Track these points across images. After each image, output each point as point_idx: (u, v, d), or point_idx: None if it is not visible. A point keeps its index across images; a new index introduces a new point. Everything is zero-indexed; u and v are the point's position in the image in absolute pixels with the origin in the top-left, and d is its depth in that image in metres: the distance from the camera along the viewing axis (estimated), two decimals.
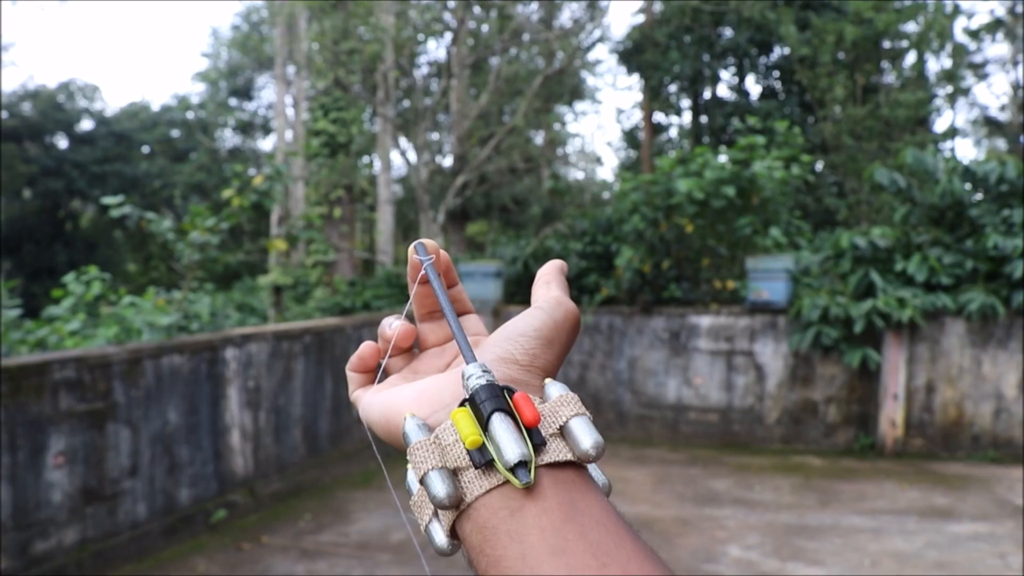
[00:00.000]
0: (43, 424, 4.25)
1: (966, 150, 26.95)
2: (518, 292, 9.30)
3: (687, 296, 8.69)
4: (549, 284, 0.53)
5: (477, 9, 15.03)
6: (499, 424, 0.41)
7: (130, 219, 6.01)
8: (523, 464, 0.40)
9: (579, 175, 27.52)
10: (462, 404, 0.43)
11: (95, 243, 25.01)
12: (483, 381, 0.42)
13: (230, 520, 5.50)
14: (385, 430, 0.47)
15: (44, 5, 47.92)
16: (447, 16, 13.06)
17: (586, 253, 9.35)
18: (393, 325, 0.52)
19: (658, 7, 18.73)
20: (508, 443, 0.40)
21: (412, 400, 0.46)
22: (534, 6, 14.78)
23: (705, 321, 7.94)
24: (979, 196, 7.90)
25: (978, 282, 7.35)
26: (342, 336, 7.00)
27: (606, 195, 23.19)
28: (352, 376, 0.54)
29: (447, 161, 18.73)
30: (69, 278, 6.32)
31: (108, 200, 6.00)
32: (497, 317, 8.62)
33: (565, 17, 14.75)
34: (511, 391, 0.42)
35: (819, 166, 15.45)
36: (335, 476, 6.61)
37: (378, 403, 0.49)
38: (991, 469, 6.82)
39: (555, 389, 0.45)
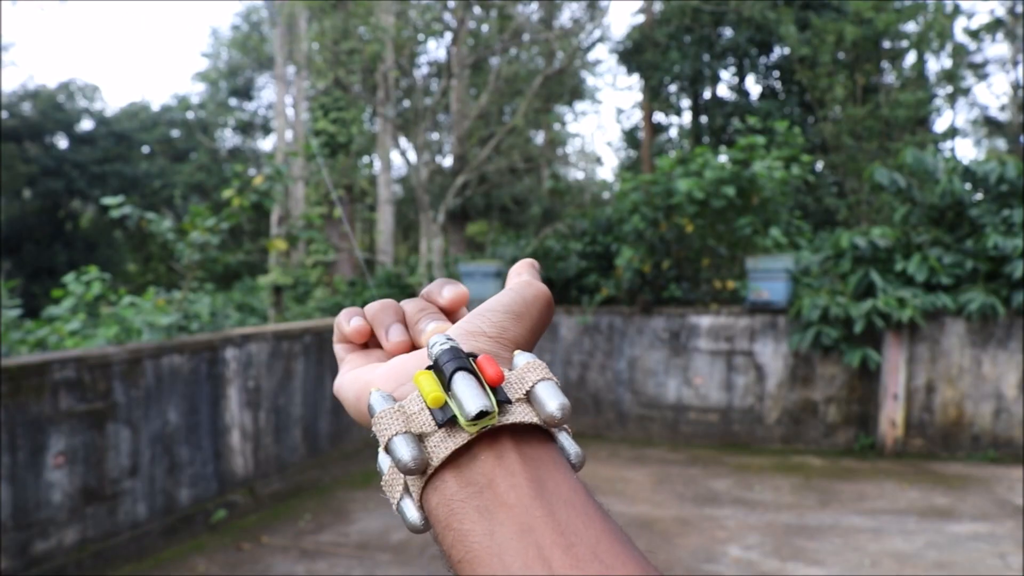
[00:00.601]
0: (43, 424, 4.25)
1: (966, 150, 26.96)
2: None
3: (687, 296, 8.69)
4: (520, 273, 0.53)
5: (477, 9, 15.03)
6: (461, 381, 0.40)
7: (130, 219, 6.01)
8: (485, 415, 0.39)
9: (579, 175, 27.52)
10: (427, 369, 0.43)
11: (95, 243, 25.01)
12: (447, 346, 0.42)
13: (230, 520, 5.50)
14: (355, 407, 0.48)
15: (44, 5, 47.93)
16: (447, 16, 13.06)
17: (586, 253, 9.35)
18: (352, 322, 0.52)
19: (658, 7, 18.73)
20: (469, 397, 0.39)
21: (381, 376, 0.46)
22: (534, 6, 14.78)
23: (705, 321, 7.94)
24: (979, 196, 7.89)
25: (978, 282, 7.35)
26: None
27: (606, 195, 23.19)
28: (338, 350, 0.54)
29: (447, 161, 18.74)
30: (69, 278, 6.32)
31: (108, 200, 6.00)
32: None
33: (565, 17, 14.75)
34: (475, 356, 0.42)
35: (819, 166, 15.45)
36: (335, 476, 6.61)
37: (348, 380, 0.49)
38: (991, 469, 6.82)
39: (522, 358, 0.44)
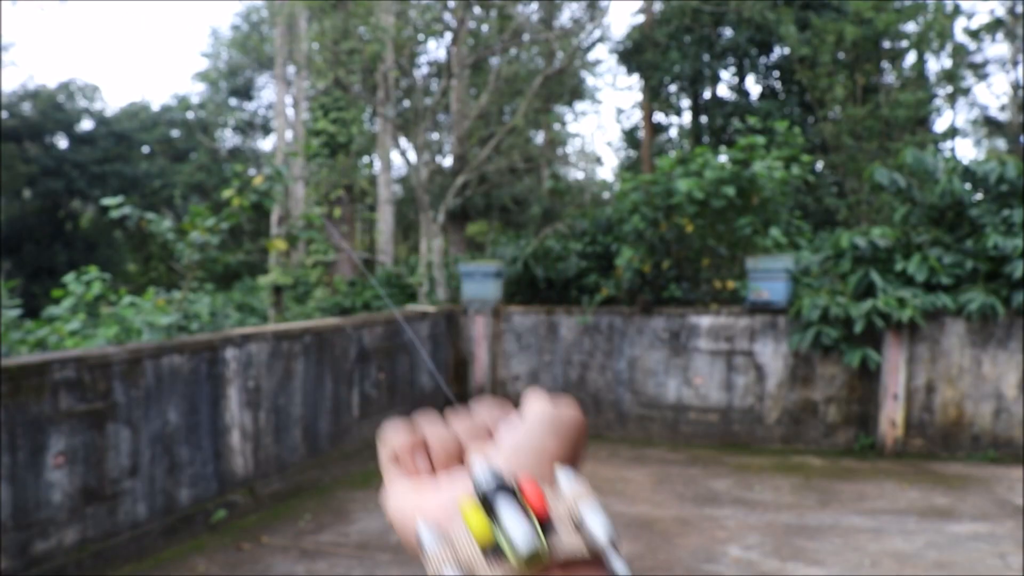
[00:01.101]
0: (43, 424, 4.25)
1: (966, 150, 26.96)
2: (518, 292, 9.30)
3: (687, 296, 8.69)
4: (534, 401, 0.54)
5: (477, 9, 15.02)
6: (507, 515, 0.41)
7: (130, 219, 6.01)
8: (535, 553, 0.40)
9: (579, 175, 27.51)
10: (471, 499, 0.43)
11: (95, 243, 25.01)
12: (490, 474, 0.43)
13: (230, 520, 5.50)
14: (402, 532, 0.48)
15: (44, 5, 47.93)
16: (447, 16, 13.06)
17: (586, 253, 9.35)
18: (421, 468, 0.52)
19: (658, 7, 18.73)
20: (517, 532, 0.40)
21: (430, 509, 0.47)
22: (534, 6, 14.78)
23: (705, 321, 7.94)
24: (979, 196, 7.89)
25: (978, 282, 7.34)
26: (342, 336, 7.00)
27: (606, 195, 23.19)
28: (383, 459, 0.54)
29: (447, 161, 18.73)
30: (69, 278, 6.32)
31: (108, 200, 6.00)
32: (497, 317, 8.63)
33: (565, 17, 14.75)
34: (517, 480, 0.43)
35: (819, 166, 15.45)
36: (335, 476, 6.61)
37: (398, 506, 0.50)
38: (991, 469, 6.82)
39: (565, 477, 0.45)
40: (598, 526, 0.41)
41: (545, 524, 0.41)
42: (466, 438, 0.52)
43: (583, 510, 0.42)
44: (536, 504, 0.41)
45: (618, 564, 0.44)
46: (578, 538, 0.42)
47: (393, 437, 0.53)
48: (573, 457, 0.49)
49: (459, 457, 0.51)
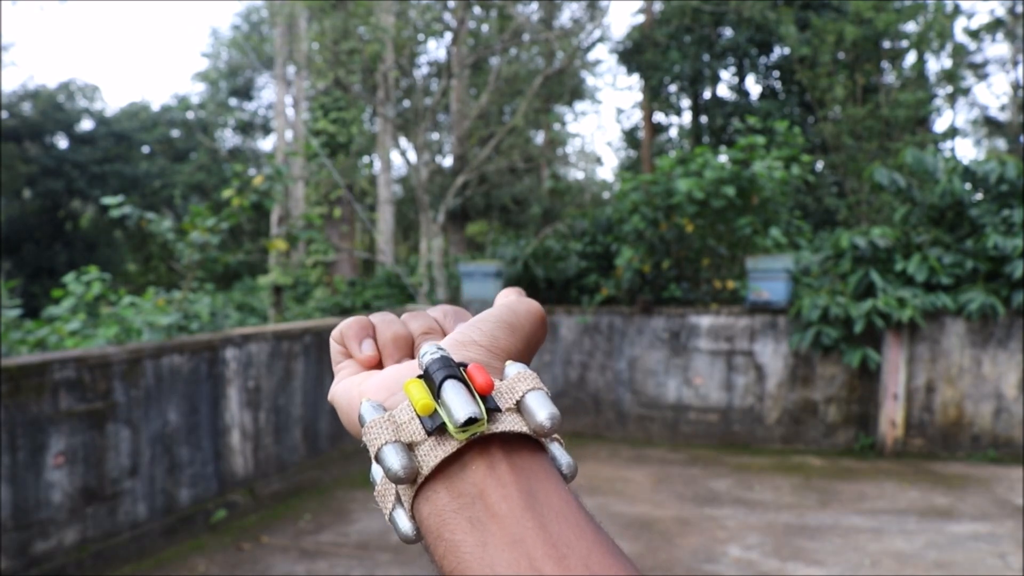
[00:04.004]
0: (43, 424, 4.25)
1: (966, 150, 26.96)
2: None
3: (687, 296, 8.69)
4: (507, 295, 0.53)
5: (477, 9, 15.03)
6: (450, 389, 0.40)
7: (130, 219, 6.01)
8: (474, 422, 0.39)
9: (579, 175, 27.52)
10: (417, 378, 0.43)
11: (95, 243, 25.01)
12: (437, 355, 0.42)
13: (230, 520, 5.50)
14: (348, 417, 0.47)
15: (44, 5, 47.93)
16: (447, 16, 13.06)
17: (586, 253, 9.35)
18: (364, 348, 0.51)
19: (658, 7, 18.73)
20: (458, 404, 0.39)
21: (373, 385, 0.46)
22: (534, 6, 14.78)
23: (705, 321, 7.94)
24: (979, 196, 7.89)
25: (978, 282, 7.35)
26: None
27: (606, 195, 23.20)
28: (335, 355, 0.54)
29: (447, 161, 18.74)
30: (69, 278, 6.32)
31: (108, 200, 6.00)
32: None
33: (565, 17, 14.75)
34: (465, 365, 0.42)
35: (819, 166, 15.45)
36: (335, 476, 6.61)
37: (342, 389, 0.49)
38: (991, 469, 6.82)
39: (513, 368, 0.44)
40: (541, 410, 0.41)
41: (488, 402, 0.41)
42: (418, 332, 0.51)
43: (528, 395, 0.42)
44: (480, 383, 0.41)
45: (559, 450, 0.44)
46: (519, 418, 0.41)
47: (342, 326, 0.52)
48: (526, 351, 0.49)
49: (409, 350, 0.51)
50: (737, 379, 7.88)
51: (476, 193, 16.03)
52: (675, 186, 8.06)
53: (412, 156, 11.13)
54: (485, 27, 15.63)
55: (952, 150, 18.40)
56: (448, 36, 13.02)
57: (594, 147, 42.00)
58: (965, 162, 7.93)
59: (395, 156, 16.40)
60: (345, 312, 11.36)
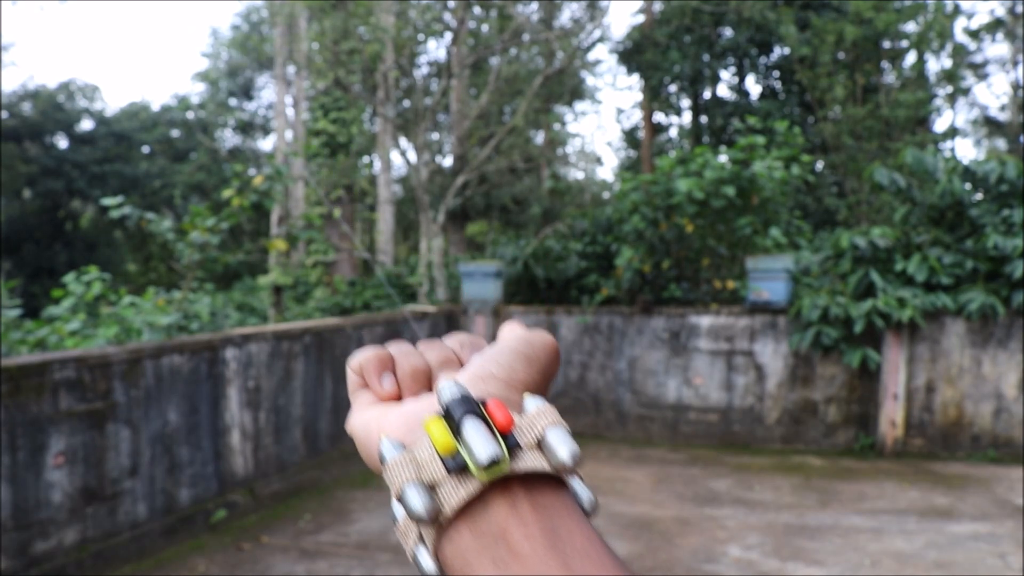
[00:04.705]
0: (43, 424, 4.25)
1: (966, 150, 26.97)
2: (518, 292, 9.30)
3: (687, 296, 8.69)
4: (515, 327, 0.54)
5: (477, 9, 15.03)
6: (471, 427, 0.40)
7: (130, 219, 6.01)
8: (496, 463, 0.39)
9: (579, 175, 27.52)
10: (435, 416, 0.43)
11: (95, 243, 25.01)
12: (456, 392, 0.42)
13: (230, 520, 5.50)
14: (366, 451, 0.47)
15: (44, 5, 47.92)
16: (447, 16, 13.06)
17: (586, 253, 9.35)
18: (385, 385, 0.51)
19: (658, 7, 18.73)
20: (480, 444, 0.39)
21: (392, 422, 0.46)
22: (534, 6, 14.79)
23: (705, 321, 7.94)
24: (979, 196, 7.90)
25: (978, 282, 7.35)
26: (342, 336, 7.00)
27: (606, 195, 23.20)
28: (352, 384, 0.54)
29: (447, 161, 18.74)
30: (69, 278, 6.32)
31: (108, 200, 6.00)
32: (497, 317, 8.62)
33: (565, 17, 14.75)
34: (484, 401, 0.42)
35: (819, 166, 15.45)
36: (335, 476, 6.61)
37: (361, 424, 0.49)
38: (991, 469, 6.82)
39: (533, 402, 0.44)
40: (562, 447, 0.41)
41: (509, 440, 0.41)
42: (436, 363, 0.51)
43: (548, 432, 0.42)
44: (501, 421, 0.41)
45: (579, 486, 0.44)
46: (540, 456, 0.41)
47: (361, 359, 0.52)
48: (543, 384, 0.49)
49: (427, 381, 0.50)
50: (737, 379, 7.88)
51: (476, 193, 16.02)
52: (675, 186, 8.06)
53: (412, 156, 11.13)
54: (485, 27, 15.63)
55: (952, 150, 18.41)
56: (448, 36, 13.03)
57: (594, 147, 42.03)
58: (965, 162, 7.93)
59: (395, 156, 16.41)
60: (345, 312, 11.36)
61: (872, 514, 5.62)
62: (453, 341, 0.54)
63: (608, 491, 6.16)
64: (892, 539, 5.10)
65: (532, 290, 9.29)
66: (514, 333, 0.52)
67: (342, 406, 6.98)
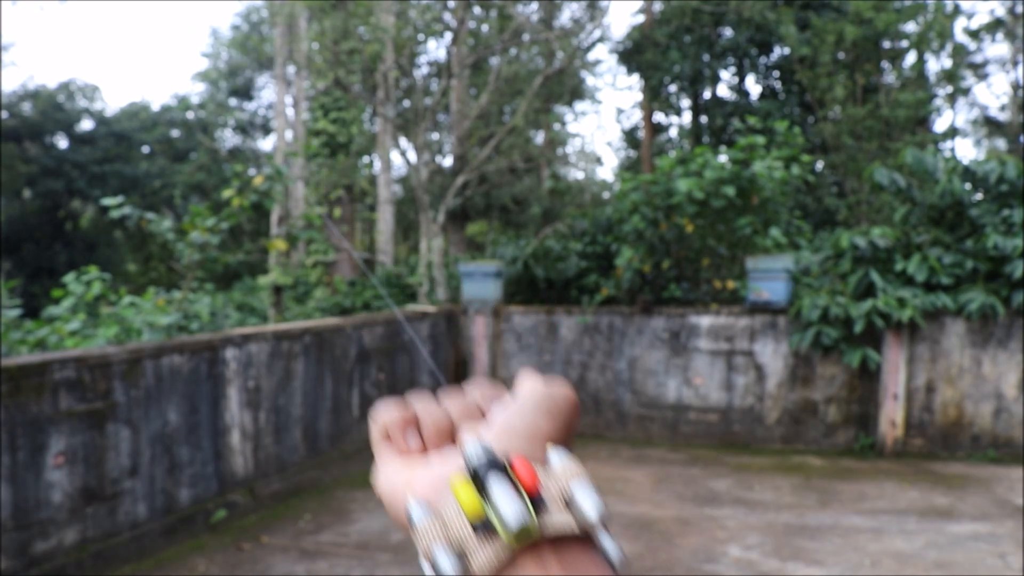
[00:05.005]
0: (43, 424, 4.25)
1: (966, 150, 26.97)
2: (518, 292, 9.30)
3: (687, 296, 8.69)
4: (534, 378, 0.54)
5: (477, 9, 15.03)
6: (498, 490, 0.41)
7: (130, 219, 6.01)
8: (525, 528, 0.40)
9: (579, 175, 27.53)
10: (462, 476, 0.43)
11: (95, 243, 25.01)
12: (482, 451, 0.43)
13: (230, 520, 5.50)
14: (393, 510, 0.49)
15: (44, 5, 47.92)
16: (447, 16, 13.06)
17: (586, 253, 9.35)
18: (411, 445, 0.52)
19: (658, 7, 18.74)
20: (508, 507, 0.40)
21: (419, 483, 0.47)
22: (534, 6, 14.79)
23: (705, 321, 7.94)
24: (979, 196, 7.89)
25: (978, 282, 7.34)
26: (342, 336, 7.00)
27: (606, 195, 23.20)
28: (375, 437, 0.54)
29: (447, 161, 18.74)
30: (69, 278, 6.32)
31: (108, 200, 6.00)
32: (497, 317, 8.62)
33: (565, 17, 14.75)
34: (509, 459, 0.43)
35: (819, 166, 15.45)
36: (335, 476, 6.61)
37: (387, 484, 0.50)
38: (991, 469, 6.82)
39: (557, 456, 0.45)
40: (589, 505, 0.41)
41: (536, 501, 0.41)
42: (458, 417, 0.52)
43: (574, 488, 0.42)
44: (527, 481, 0.41)
45: (608, 543, 0.44)
46: (568, 516, 0.42)
47: (385, 414, 0.52)
48: (566, 436, 0.49)
49: (451, 436, 0.51)
50: (737, 379, 7.88)
51: (476, 193, 16.02)
52: (675, 186, 8.06)
53: (412, 156, 11.13)
54: (485, 27, 15.63)
55: (952, 150, 18.41)
56: (448, 36, 13.03)
57: (594, 147, 42.04)
58: (965, 162, 7.93)
59: (395, 156, 16.40)
60: (345, 312, 11.36)
61: (872, 514, 5.62)
62: (475, 392, 0.55)
63: (608, 491, 6.16)
64: (892, 539, 5.10)
65: (532, 290, 9.29)
66: (535, 388, 0.52)
67: (342, 406, 6.98)
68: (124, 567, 4.66)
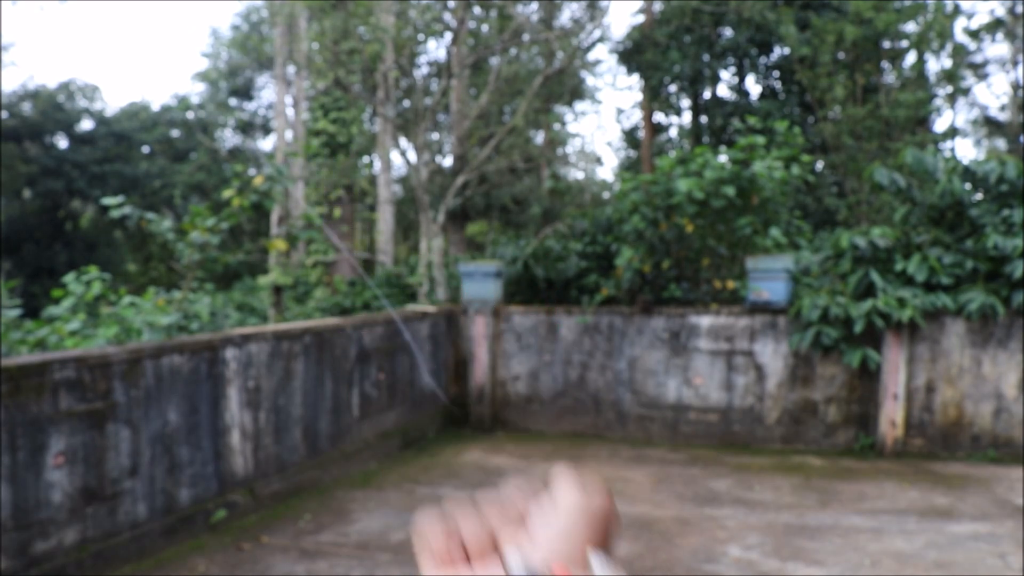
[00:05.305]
0: (43, 424, 4.25)
1: (966, 150, 26.96)
2: (518, 292, 9.29)
3: (687, 296, 8.69)
4: (571, 482, 0.57)
5: (477, 9, 15.02)
6: None
7: (130, 219, 6.01)
8: None
9: (579, 175, 27.52)
10: None
11: (95, 243, 25.01)
12: (521, 563, 0.46)
13: (230, 520, 5.50)
14: None
15: (44, 5, 47.93)
16: (447, 16, 13.06)
17: (586, 253, 9.35)
18: (453, 558, 0.53)
19: (658, 7, 18.74)
20: None
21: None
22: (534, 6, 14.78)
23: (705, 321, 7.94)
24: (979, 196, 7.89)
25: (978, 282, 7.34)
26: (342, 336, 7.00)
27: (606, 195, 23.20)
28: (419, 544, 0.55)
29: (447, 161, 18.73)
30: (69, 278, 6.32)
31: (108, 200, 6.00)
32: (497, 317, 8.62)
33: (565, 17, 14.75)
34: (551, 568, 0.46)
35: (819, 166, 15.45)
36: (335, 476, 6.61)
37: None
38: (991, 469, 6.81)
39: (597, 561, 0.48)
40: None
41: None
42: (498, 525, 0.54)
43: None
44: None
45: None
46: None
47: (428, 529, 0.55)
48: (604, 541, 0.52)
49: (492, 545, 0.53)
50: (737, 379, 7.88)
51: (476, 193, 16.02)
52: (675, 186, 8.06)
53: (412, 156, 11.13)
54: (485, 27, 15.62)
55: (952, 150, 18.40)
56: (448, 36, 13.02)
57: (594, 147, 42.02)
58: (965, 162, 7.93)
59: (395, 156, 16.40)
60: (345, 312, 11.36)
61: (872, 514, 5.62)
62: (514, 495, 0.56)
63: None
64: (892, 539, 5.10)
65: (532, 290, 9.29)
66: (573, 496, 0.55)
67: (342, 406, 6.98)
68: (124, 567, 4.66)
